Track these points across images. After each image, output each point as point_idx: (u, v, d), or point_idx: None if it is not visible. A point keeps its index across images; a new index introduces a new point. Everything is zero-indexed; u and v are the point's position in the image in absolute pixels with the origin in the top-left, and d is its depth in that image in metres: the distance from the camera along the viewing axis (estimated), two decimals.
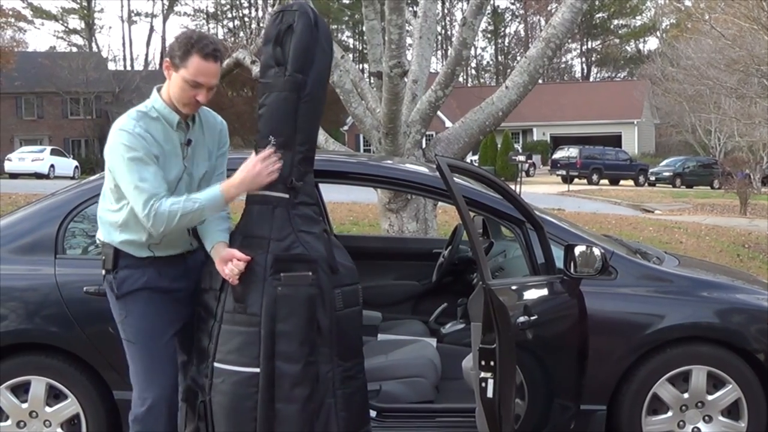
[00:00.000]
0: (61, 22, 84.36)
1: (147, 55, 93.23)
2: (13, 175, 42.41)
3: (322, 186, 6.75)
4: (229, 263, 4.18)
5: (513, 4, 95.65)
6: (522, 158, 36.53)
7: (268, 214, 4.28)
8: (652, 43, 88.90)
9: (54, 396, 5.07)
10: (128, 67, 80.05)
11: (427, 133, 9.99)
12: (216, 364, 4.26)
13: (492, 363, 4.24)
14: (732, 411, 5.26)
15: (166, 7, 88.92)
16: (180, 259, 4.33)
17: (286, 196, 4.28)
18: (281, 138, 4.31)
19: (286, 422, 4.17)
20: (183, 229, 4.24)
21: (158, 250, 4.26)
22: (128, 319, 4.28)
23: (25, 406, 5.05)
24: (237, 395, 4.20)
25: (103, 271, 4.32)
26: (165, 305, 4.30)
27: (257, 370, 4.17)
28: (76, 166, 47.79)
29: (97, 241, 4.41)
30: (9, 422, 5.06)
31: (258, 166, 4.16)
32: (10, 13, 59.04)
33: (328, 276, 4.29)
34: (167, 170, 4.17)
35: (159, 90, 4.29)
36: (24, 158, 45.05)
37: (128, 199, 4.11)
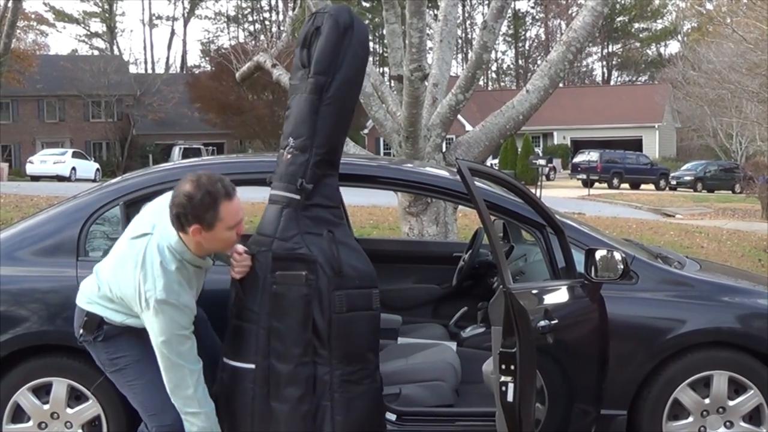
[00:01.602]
0: (82, 25, 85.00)
1: (168, 58, 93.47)
2: (35, 178, 42.67)
3: (342, 189, 6.77)
4: (232, 259, 4.26)
5: (533, 7, 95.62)
6: (542, 162, 36.40)
7: (277, 213, 4.33)
8: (673, 47, 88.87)
9: (75, 397, 5.09)
10: (149, 70, 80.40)
11: (448, 136, 9.98)
12: (223, 359, 4.35)
13: (512, 367, 4.24)
14: (753, 417, 5.24)
15: (187, 10, 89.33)
16: None
17: (297, 197, 4.30)
18: (300, 139, 4.32)
19: (279, 421, 4.22)
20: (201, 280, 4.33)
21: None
22: (119, 357, 4.34)
23: (46, 407, 5.07)
24: (235, 390, 4.27)
25: (81, 331, 4.37)
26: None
27: (253, 366, 4.23)
28: (98, 169, 48.04)
29: (83, 308, 4.40)
30: (31, 423, 5.08)
31: None
32: (33, 16, 59.35)
33: (329, 277, 4.29)
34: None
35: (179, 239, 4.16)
36: (46, 161, 45.31)
37: (159, 360, 4.14)
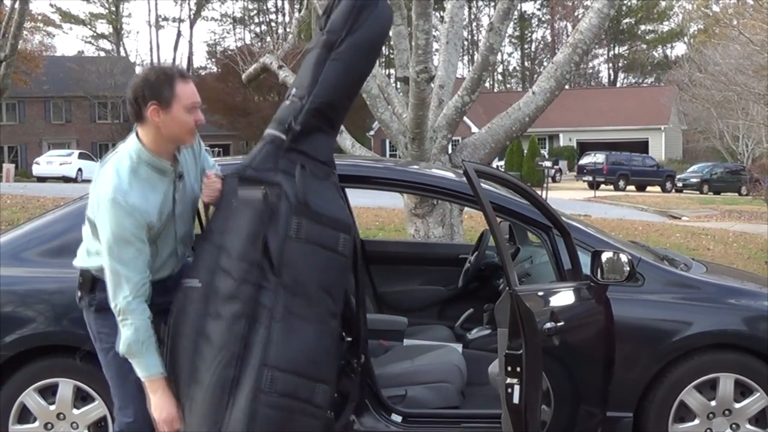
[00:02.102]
0: (89, 27, 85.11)
1: (174, 59, 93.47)
2: (41, 179, 42.76)
3: (348, 191, 6.78)
4: (203, 184, 4.23)
5: (540, 9, 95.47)
6: (548, 164, 36.39)
7: (259, 148, 4.25)
8: (679, 49, 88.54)
9: (81, 398, 5.10)
10: None
11: (454, 138, 9.98)
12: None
13: (518, 369, 4.23)
14: (760, 419, 5.24)
15: (193, 12, 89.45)
16: (160, 283, 4.20)
17: (283, 136, 4.23)
18: (301, 88, 4.28)
19: (211, 339, 4.02)
20: (173, 252, 4.23)
21: (157, 273, 4.20)
22: (106, 334, 4.23)
23: (52, 408, 5.09)
24: (181, 308, 4.12)
25: (78, 293, 4.27)
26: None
27: (198, 283, 4.09)
28: None
29: (76, 266, 4.30)
30: (37, 424, 5.09)
31: (163, 421, 4.04)
32: (39, 18, 59.40)
33: (291, 204, 4.13)
34: (162, 215, 4.09)
35: (138, 135, 4.12)
36: (52, 162, 45.38)
37: (104, 263, 4.03)
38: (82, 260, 4.27)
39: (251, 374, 3.95)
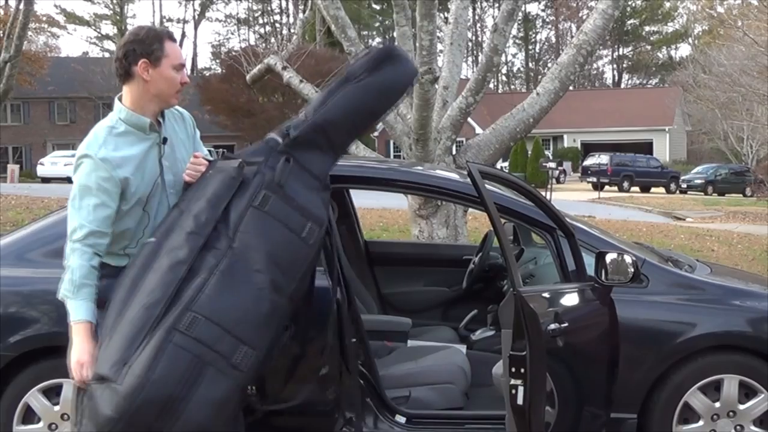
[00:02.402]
0: (93, 27, 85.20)
1: None
2: (46, 179, 42.90)
3: (353, 192, 6.78)
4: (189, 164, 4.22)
5: (544, 10, 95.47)
6: (552, 165, 36.36)
7: (254, 146, 4.25)
8: (684, 50, 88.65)
9: None
10: None
11: (458, 139, 9.98)
12: None
13: (522, 370, 4.23)
14: (764, 421, 5.23)
15: (197, 12, 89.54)
16: None
17: (278, 139, 4.17)
18: (309, 109, 4.27)
19: (145, 284, 3.87)
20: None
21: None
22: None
23: (57, 408, 5.09)
24: (128, 264, 4.07)
25: None
26: None
27: (153, 239, 4.02)
28: None
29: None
30: (41, 424, 5.10)
31: (75, 366, 3.94)
32: (44, 18, 59.56)
33: (266, 180, 4.05)
34: (145, 177, 4.08)
35: (120, 100, 4.16)
36: (56, 162, 45.50)
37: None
38: None
39: (173, 315, 3.74)
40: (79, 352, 3.89)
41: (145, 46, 4.05)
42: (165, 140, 4.17)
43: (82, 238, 3.95)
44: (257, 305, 3.87)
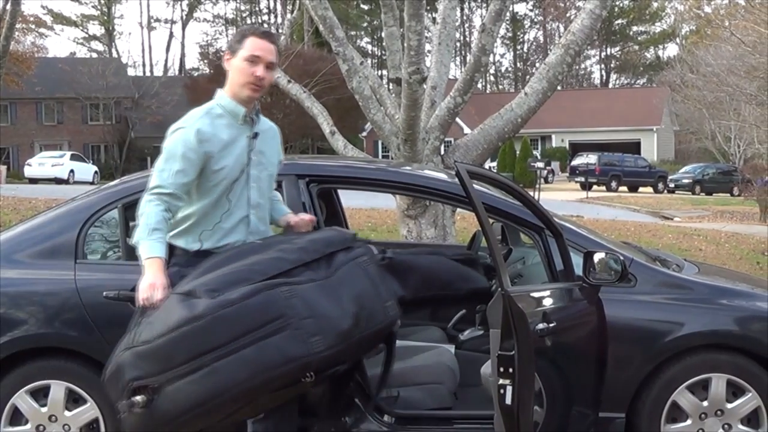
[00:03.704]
0: (81, 28, 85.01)
1: (166, 60, 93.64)
2: (33, 180, 42.72)
3: (341, 192, 6.78)
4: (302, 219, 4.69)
5: (532, 10, 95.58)
6: (541, 165, 36.45)
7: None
8: (671, 50, 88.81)
9: (73, 400, 5.10)
10: (148, 73, 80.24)
11: (446, 139, 9.98)
12: None
13: (511, 370, 4.24)
14: (752, 419, 5.23)
15: (185, 13, 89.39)
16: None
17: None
18: None
19: (254, 258, 4.19)
20: (245, 218, 4.41)
21: (207, 241, 4.33)
22: None
23: (44, 410, 5.08)
24: (237, 249, 4.35)
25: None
26: None
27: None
28: (96, 171, 48.06)
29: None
30: (29, 426, 5.09)
31: (144, 289, 4.06)
32: (31, 19, 59.26)
33: (369, 254, 4.47)
34: (226, 161, 4.31)
35: (222, 89, 4.48)
36: (44, 163, 45.34)
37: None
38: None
39: (276, 281, 4.00)
40: (153, 277, 4.05)
41: (232, 41, 4.47)
42: (256, 135, 4.44)
43: (159, 194, 4.20)
44: (340, 320, 4.09)
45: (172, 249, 4.30)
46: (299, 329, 3.91)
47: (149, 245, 4.12)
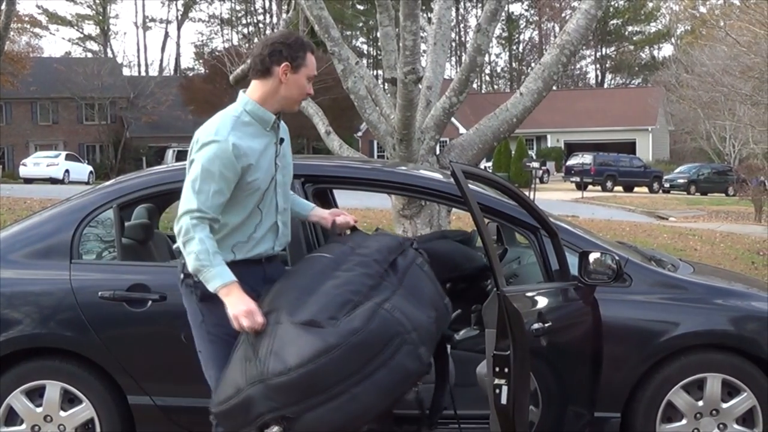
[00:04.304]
0: (76, 28, 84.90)
1: (161, 60, 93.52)
2: (28, 180, 42.64)
3: (336, 192, 6.77)
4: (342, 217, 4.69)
5: (527, 10, 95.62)
6: (536, 165, 36.47)
7: None
8: (666, 50, 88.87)
9: (69, 400, 5.10)
10: (143, 73, 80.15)
11: (441, 139, 9.97)
12: None
13: (506, 370, 4.24)
14: (747, 419, 5.24)
15: (180, 13, 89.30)
16: (259, 266, 4.32)
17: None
18: None
19: (343, 278, 4.21)
20: (273, 225, 4.37)
21: (240, 252, 4.27)
22: (205, 323, 4.27)
23: (39, 410, 5.08)
24: (307, 269, 4.37)
25: (182, 275, 4.28)
26: None
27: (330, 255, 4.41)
28: (91, 171, 47.98)
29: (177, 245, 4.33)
30: (24, 426, 5.09)
31: (243, 314, 4.04)
32: (26, 19, 59.18)
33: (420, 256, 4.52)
34: (259, 171, 4.23)
35: (244, 92, 4.38)
36: (39, 163, 45.27)
37: (183, 193, 4.18)
38: None
39: (375, 299, 4.04)
40: (244, 302, 4.03)
41: (292, 52, 4.29)
42: (282, 141, 4.38)
43: (202, 218, 4.10)
44: (429, 326, 4.17)
45: None
46: (411, 344, 4.00)
47: (219, 271, 4.07)
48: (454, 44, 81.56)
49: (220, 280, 4.05)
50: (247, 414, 3.91)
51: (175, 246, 4.41)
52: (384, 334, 3.95)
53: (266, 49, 4.30)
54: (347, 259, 4.23)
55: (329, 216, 4.69)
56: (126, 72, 75.27)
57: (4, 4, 23.74)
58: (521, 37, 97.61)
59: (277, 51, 4.28)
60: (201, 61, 73.40)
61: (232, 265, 4.15)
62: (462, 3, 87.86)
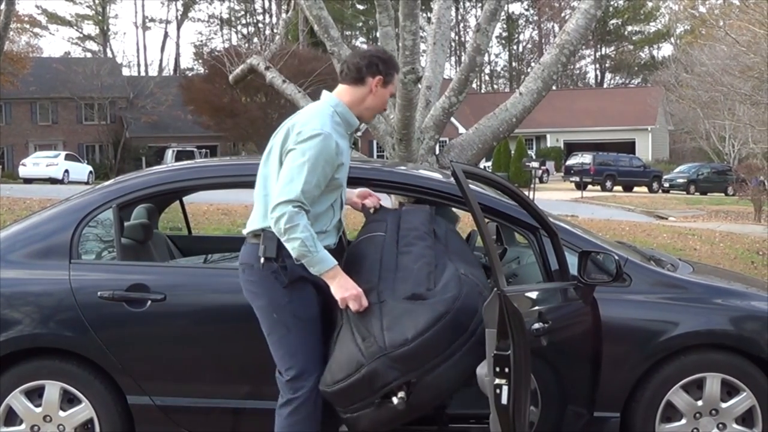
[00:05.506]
0: (75, 28, 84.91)
1: (161, 60, 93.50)
2: (28, 180, 42.67)
3: None
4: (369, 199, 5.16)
5: (527, 10, 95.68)
6: (536, 165, 36.50)
7: None
8: (666, 50, 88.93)
9: (68, 400, 5.09)
10: (142, 73, 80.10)
11: (441, 139, 9.97)
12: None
13: (506, 369, 4.23)
14: (746, 419, 5.24)
15: (180, 13, 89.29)
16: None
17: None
18: None
19: (416, 252, 4.61)
20: (339, 221, 4.68)
21: (322, 241, 4.44)
22: (290, 306, 4.46)
23: (39, 410, 5.07)
24: (372, 248, 4.76)
25: (262, 259, 4.44)
26: (318, 296, 4.52)
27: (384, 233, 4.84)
28: (90, 171, 48.00)
29: (252, 230, 4.54)
30: (23, 426, 5.08)
31: (352, 297, 4.34)
32: (26, 19, 59.11)
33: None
34: (344, 170, 4.57)
35: (330, 93, 4.65)
36: (38, 163, 45.30)
37: (278, 183, 4.37)
38: (260, 221, 4.52)
39: (448, 264, 4.52)
40: (350, 285, 4.37)
41: (387, 68, 4.64)
42: (356, 143, 4.51)
43: (301, 207, 4.33)
44: (486, 279, 4.73)
45: (279, 251, 4.42)
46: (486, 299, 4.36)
47: (323, 256, 4.35)
48: (453, 44, 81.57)
49: (326, 264, 4.34)
50: (371, 385, 4.25)
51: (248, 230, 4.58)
52: (475, 296, 4.38)
53: (364, 60, 4.61)
54: (401, 235, 4.63)
55: (358, 200, 5.09)
56: (125, 72, 75.23)
57: (3, 4, 23.71)
58: (521, 37, 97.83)
59: (375, 64, 4.60)
60: (200, 61, 73.34)
61: None
62: (462, 3, 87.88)
